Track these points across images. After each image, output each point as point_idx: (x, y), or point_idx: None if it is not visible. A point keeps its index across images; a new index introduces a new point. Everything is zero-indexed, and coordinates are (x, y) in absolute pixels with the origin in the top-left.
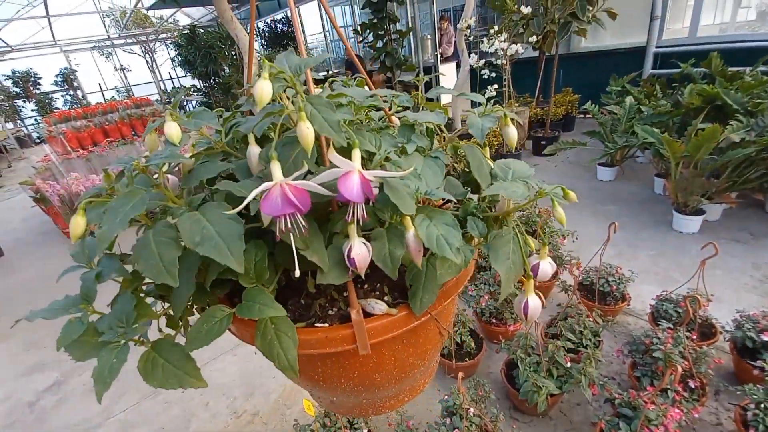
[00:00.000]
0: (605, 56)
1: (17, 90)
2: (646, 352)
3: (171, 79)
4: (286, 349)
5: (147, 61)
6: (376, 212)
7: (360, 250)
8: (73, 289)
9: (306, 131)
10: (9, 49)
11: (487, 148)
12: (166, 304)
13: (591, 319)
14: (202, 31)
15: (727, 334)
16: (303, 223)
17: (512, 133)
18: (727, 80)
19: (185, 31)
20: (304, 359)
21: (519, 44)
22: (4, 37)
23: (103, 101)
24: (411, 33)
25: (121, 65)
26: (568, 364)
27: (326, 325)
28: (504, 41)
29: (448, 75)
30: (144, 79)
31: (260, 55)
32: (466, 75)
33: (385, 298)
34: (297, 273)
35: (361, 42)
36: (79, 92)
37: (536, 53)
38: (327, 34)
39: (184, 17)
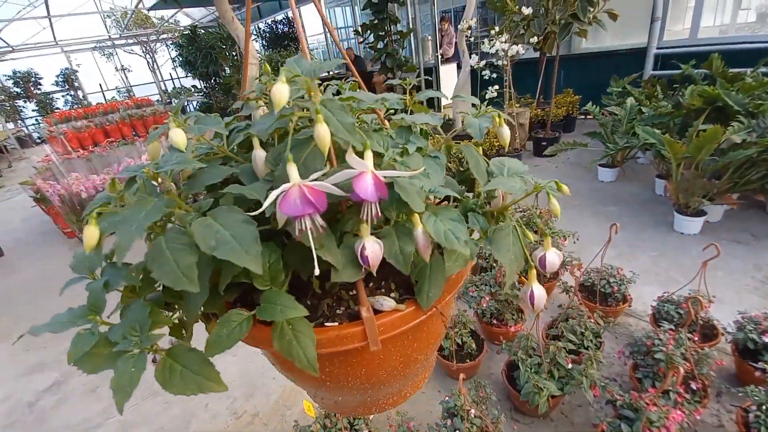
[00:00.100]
0: (606, 57)
1: (18, 90)
2: (648, 354)
3: (172, 79)
4: (306, 348)
5: (148, 62)
6: (382, 211)
7: (373, 248)
8: (71, 296)
9: (323, 133)
10: (10, 49)
11: (480, 148)
12: (169, 313)
13: (592, 321)
14: (203, 31)
15: (728, 336)
16: (322, 222)
17: (506, 133)
18: (728, 81)
19: (186, 32)
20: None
21: (520, 45)
22: (6, 37)
23: (103, 101)
24: (412, 34)
25: (122, 66)
26: (570, 366)
27: (336, 324)
28: (505, 42)
29: (449, 76)
30: (145, 79)
31: (261, 56)
32: (467, 76)
33: (392, 294)
34: (317, 271)
35: (361, 43)
36: (79, 92)
37: (537, 54)
38: (327, 35)
39: (185, 18)
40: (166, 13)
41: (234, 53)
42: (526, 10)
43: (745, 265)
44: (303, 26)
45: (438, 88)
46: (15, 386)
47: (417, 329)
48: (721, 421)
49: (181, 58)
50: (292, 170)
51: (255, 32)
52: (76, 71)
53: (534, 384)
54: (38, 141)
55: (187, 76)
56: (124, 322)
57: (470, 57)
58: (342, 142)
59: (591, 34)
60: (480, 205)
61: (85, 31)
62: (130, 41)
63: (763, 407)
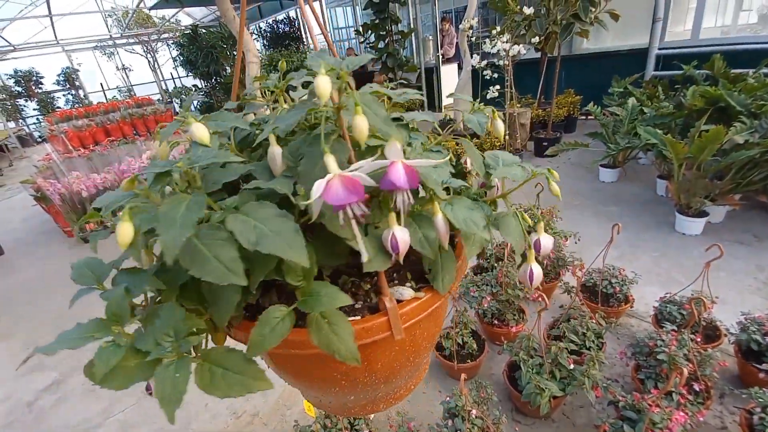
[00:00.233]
0: (607, 57)
1: (19, 89)
2: (650, 355)
3: (173, 78)
4: (345, 339)
5: (149, 61)
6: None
7: (403, 235)
8: (68, 299)
9: (362, 125)
10: (11, 48)
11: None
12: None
13: (594, 321)
14: (204, 31)
15: (731, 337)
16: (365, 210)
17: (500, 126)
18: (730, 82)
19: (187, 31)
20: (329, 359)
21: (521, 45)
22: (7, 36)
23: (104, 101)
24: (413, 34)
25: (123, 65)
26: (571, 366)
27: (358, 317)
28: (506, 42)
29: (450, 76)
30: (146, 78)
31: (261, 56)
32: (468, 76)
33: (408, 284)
34: (365, 258)
35: (362, 43)
36: (80, 92)
37: (538, 54)
38: (328, 35)
39: (186, 17)
40: (167, 12)
41: (235, 52)
42: (528, 10)
43: (748, 266)
44: (303, 24)
45: (439, 89)
46: (14, 386)
47: (428, 318)
48: (724, 423)
49: (182, 58)
50: (331, 161)
51: (256, 32)
52: (78, 70)
53: (535, 384)
54: (39, 140)
55: (188, 76)
56: (155, 328)
57: (471, 57)
58: (381, 134)
59: (592, 35)
60: (480, 195)
61: (87, 30)
62: (131, 41)
63: (767, 409)
